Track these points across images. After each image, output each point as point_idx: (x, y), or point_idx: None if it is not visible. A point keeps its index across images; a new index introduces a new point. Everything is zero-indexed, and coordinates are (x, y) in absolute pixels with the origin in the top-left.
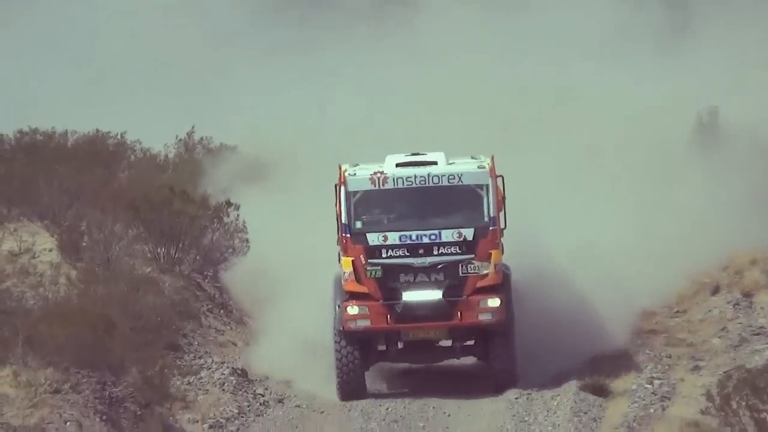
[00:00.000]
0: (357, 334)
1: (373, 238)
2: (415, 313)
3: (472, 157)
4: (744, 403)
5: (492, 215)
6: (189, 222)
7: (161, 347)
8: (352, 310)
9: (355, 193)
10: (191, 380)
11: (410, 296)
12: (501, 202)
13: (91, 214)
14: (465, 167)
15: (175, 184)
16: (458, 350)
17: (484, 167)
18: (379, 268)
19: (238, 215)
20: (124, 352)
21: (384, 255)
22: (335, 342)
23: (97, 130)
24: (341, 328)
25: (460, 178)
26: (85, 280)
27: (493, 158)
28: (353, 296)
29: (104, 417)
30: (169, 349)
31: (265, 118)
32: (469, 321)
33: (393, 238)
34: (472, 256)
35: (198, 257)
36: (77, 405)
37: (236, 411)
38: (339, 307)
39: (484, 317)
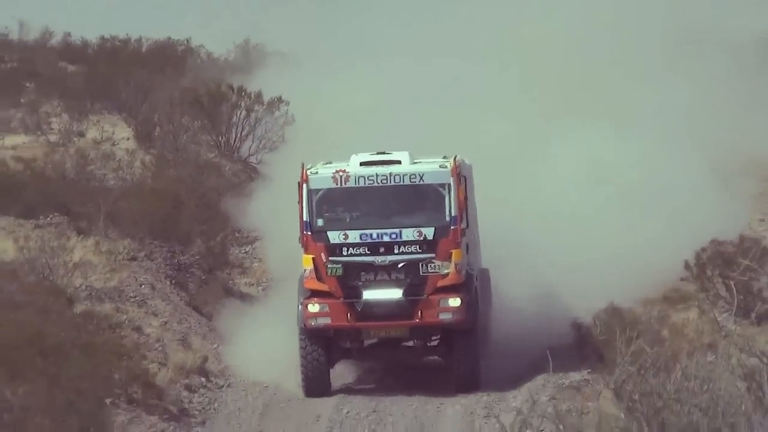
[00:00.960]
0: (317, 331)
1: (334, 236)
2: (375, 311)
3: (444, 157)
4: (717, 272)
5: (453, 215)
6: (246, 114)
7: (222, 221)
8: (313, 307)
9: (317, 191)
10: (247, 250)
11: (370, 294)
12: (463, 202)
13: (162, 108)
14: (427, 167)
15: (234, 82)
16: (421, 350)
17: (446, 167)
18: (340, 266)
19: (287, 110)
20: (191, 226)
21: (345, 253)
22: (299, 339)
23: (168, 37)
24: (303, 326)
25: (421, 177)
26: (156, 165)
27: (455, 158)
28: (314, 294)
29: (173, 281)
30: (228, 223)
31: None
32: (430, 320)
33: (354, 236)
34: (433, 255)
35: (253, 145)
36: (150, 270)
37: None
38: (300, 304)
39: (444, 317)
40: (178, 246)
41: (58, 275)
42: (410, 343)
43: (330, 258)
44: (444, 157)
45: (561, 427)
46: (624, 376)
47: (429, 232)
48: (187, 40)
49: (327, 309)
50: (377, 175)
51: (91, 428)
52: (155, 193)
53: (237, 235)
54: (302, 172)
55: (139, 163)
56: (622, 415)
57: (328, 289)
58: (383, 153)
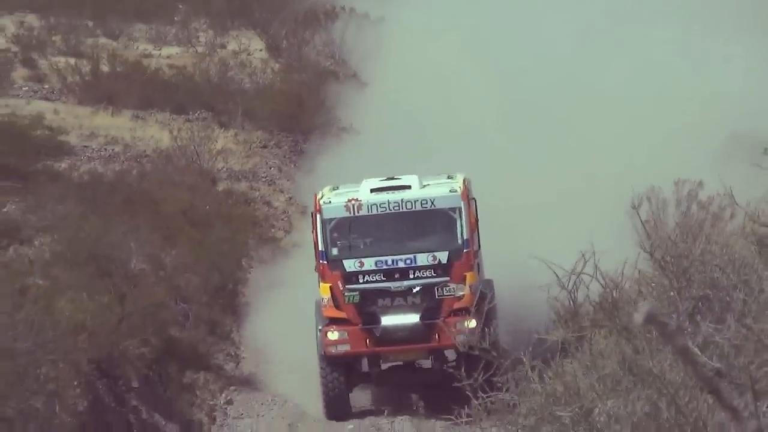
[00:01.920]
0: (338, 358)
1: (350, 264)
2: (393, 336)
3: (448, 177)
4: None
5: (465, 238)
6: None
7: (336, 116)
8: (332, 335)
9: (331, 220)
10: None
11: (388, 320)
12: (474, 224)
13: (289, 25)
14: (437, 191)
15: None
16: (439, 372)
17: (456, 191)
18: (357, 293)
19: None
20: (311, 120)
21: (361, 280)
22: (319, 365)
23: None
24: (323, 353)
25: (432, 203)
26: (284, 71)
27: (465, 180)
28: (333, 321)
29: (296, 164)
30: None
31: None
32: (446, 343)
33: (369, 263)
34: (448, 278)
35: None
36: (278, 156)
37: None
38: (320, 331)
39: (461, 338)
40: (301, 136)
41: (204, 160)
42: (425, 364)
43: (347, 286)
44: (449, 177)
45: (605, 281)
46: (658, 243)
47: (443, 256)
48: None
49: (346, 336)
50: (389, 202)
51: (229, 283)
52: (283, 94)
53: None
54: (315, 202)
55: (270, 70)
56: (657, 273)
57: (346, 317)
58: (392, 179)
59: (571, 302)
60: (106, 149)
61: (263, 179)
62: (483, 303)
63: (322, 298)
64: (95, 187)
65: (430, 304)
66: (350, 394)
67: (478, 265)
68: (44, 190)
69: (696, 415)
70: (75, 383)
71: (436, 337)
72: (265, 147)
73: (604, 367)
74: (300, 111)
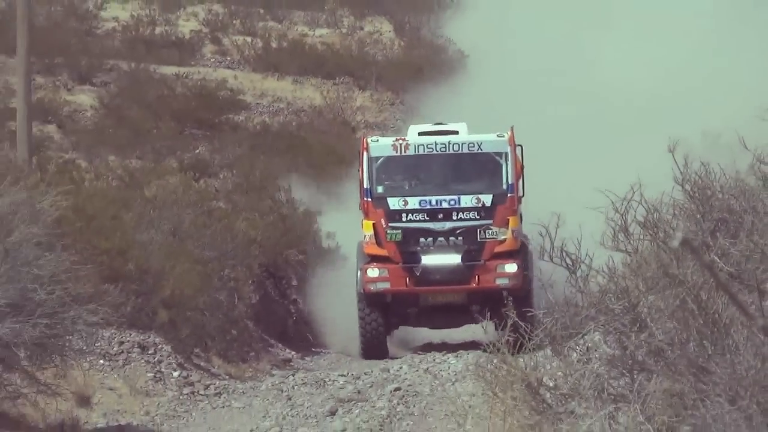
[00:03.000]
0: (376, 296)
1: (394, 203)
2: (433, 276)
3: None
4: None
5: (510, 182)
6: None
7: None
8: (372, 272)
9: (378, 158)
10: None
11: (429, 260)
12: (520, 171)
13: (413, 12)
14: (485, 136)
15: None
16: (476, 314)
17: (503, 136)
18: (400, 231)
19: None
20: (427, 84)
21: (404, 219)
22: (358, 304)
23: None
24: (362, 291)
25: (479, 146)
26: (407, 47)
27: (512, 129)
28: (374, 259)
29: (415, 117)
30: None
31: None
32: (487, 285)
33: (413, 202)
34: (491, 221)
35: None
36: (404, 111)
37: None
38: (360, 269)
39: (501, 282)
40: (422, 96)
41: (346, 114)
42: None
43: (390, 224)
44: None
45: (648, 206)
46: (688, 177)
47: (487, 199)
48: None
49: (386, 274)
50: (436, 144)
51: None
52: (406, 64)
53: None
54: (363, 141)
55: (396, 46)
56: (687, 201)
57: (387, 255)
58: (441, 124)
59: (623, 221)
60: (272, 106)
61: (391, 128)
62: (526, 250)
63: (365, 236)
64: (264, 134)
65: (472, 246)
66: (388, 337)
67: (521, 214)
68: (226, 136)
69: (714, 309)
70: (249, 282)
71: (476, 279)
72: (392, 104)
73: (646, 271)
74: (421, 75)
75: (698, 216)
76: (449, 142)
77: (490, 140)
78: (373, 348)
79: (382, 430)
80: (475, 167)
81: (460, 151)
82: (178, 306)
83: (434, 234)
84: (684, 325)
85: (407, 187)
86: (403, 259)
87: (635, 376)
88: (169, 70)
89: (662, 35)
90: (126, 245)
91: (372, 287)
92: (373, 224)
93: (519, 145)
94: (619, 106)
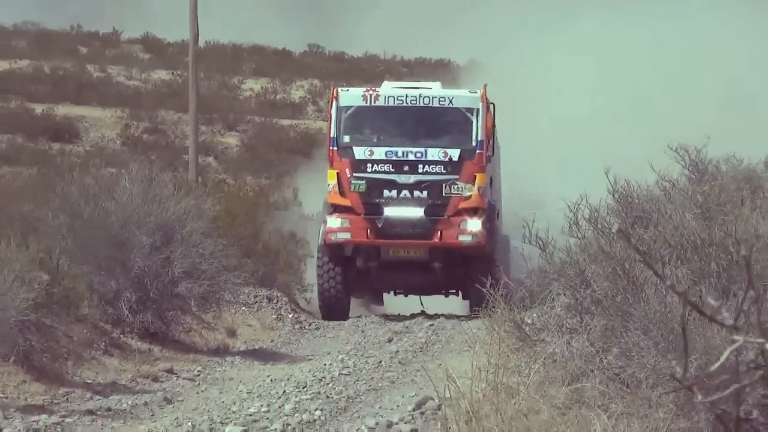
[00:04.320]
0: (337, 247)
1: (360, 152)
2: (395, 229)
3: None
4: None
5: (480, 139)
6: None
7: None
8: (334, 222)
9: (347, 108)
10: None
11: (392, 212)
12: (490, 130)
13: None
14: (457, 91)
15: None
16: (439, 272)
17: (476, 92)
18: (363, 182)
19: None
20: None
21: (369, 169)
22: (317, 258)
23: None
24: (322, 242)
25: (450, 101)
26: None
27: (485, 86)
28: (337, 209)
29: None
30: None
31: None
32: (449, 242)
33: (379, 153)
34: (457, 177)
35: None
36: None
37: None
38: (323, 221)
39: (464, 239)
40: None
41: None
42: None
43: (354, 174)
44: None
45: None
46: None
47: (454, 154)
48: None
49: (348, 224)
50: (407, 96)
51: None
52: None
53: None
54: (332, 90)
55: None
56: (617, 204)
57: (350, 205)
58: (417, 81)
59: (576, 218)
60: None
61: None
62: (492, 212)
63: (328, 185)
64: None
65: (436, 201)
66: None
67: (492, 180)
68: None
69: (634, 273)
70: None
71: (439, 234)
72: None
73: (590, 249)
74: None
75: (623, 214)
76: (420, 95)
77: (461, 95)
78: (332, 306)
79: (422, 351)
80: (445, 122)
81: (430, 105)
82: (288, 272)
83: (398, 186)
84: (614, 284)
85: (375, 139)
86: (366, 211)
87: (583, 317)
88: (285, 122)
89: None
90: (257, 233)
91: (333, 237)
92: (338, 173)
93: (492, 103)
94: (578, 136)
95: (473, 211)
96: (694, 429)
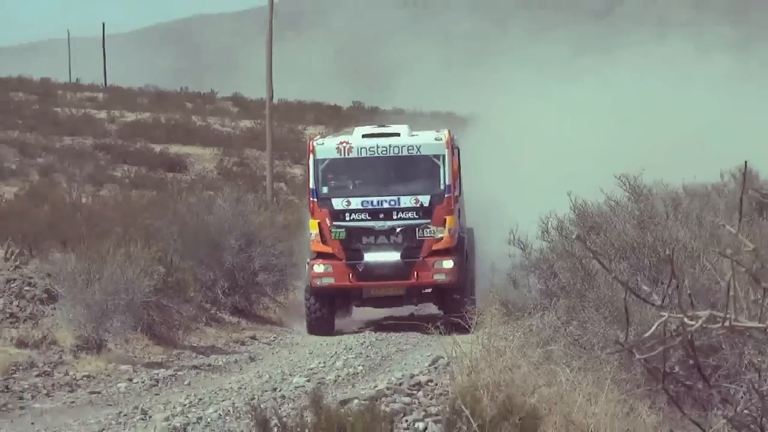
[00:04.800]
0: (322, 290)
1: (338, 203)
2: (375, 272)
3: (438, 131)
4: None
5: (447, 183)
6: None
7: None
8: (318, 268)
9: (323, 160)
10: None
11: (371, 257)
12: (457, 172)
13: None
14: (423, 139)
15: None
16: (416, 298)
17: (440, 139)
18: (343, 230)
19: None
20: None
21: (347, 218)
22: (305, 295)
23: None
24: (308, 285)
25: (418, 149)
26: None
27: (449, 131)
28: (320, 256)
29: None
30: None
31: None
32: (425, 281)
33: (356, 202)
34: (428, 221)
35: None
36: None
37: None
38: (308, 264)
39: (438, 277)
40: None
41: None
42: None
43: (334, 223)
44: (438, 131)
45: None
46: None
47: (425, 200)
48: None
49: (331, 270)
50: (378, 147)
51: None
52: None
53: None
54: (309, 144)
55: None
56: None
57: (332, 251)
58: (384, 126)
59: (547, 227)
60: None
61: None
62: (462, 246)
63: (311, 233)
64: None
65: (411, 244)
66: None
67: (460, 211)
68: None
69: (589, 267)
70: None
71: (415, 275)
72: None
73: (557, 249)
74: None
75: (581, 224)
76: (390, 145)
77: (427, 143)
78: (318, 327)
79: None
80: (414, 169)
81: (400, 154)
82: None
83: (376, 232)
84: (574, 275)
85: (350, 187)
86: (347, 256)
87: (552, 299)
88: None
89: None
90: None
91: (318, 282)
92: (319, 223)
93: (456, 147)
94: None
95: (445, 252)
96: (632, 379)
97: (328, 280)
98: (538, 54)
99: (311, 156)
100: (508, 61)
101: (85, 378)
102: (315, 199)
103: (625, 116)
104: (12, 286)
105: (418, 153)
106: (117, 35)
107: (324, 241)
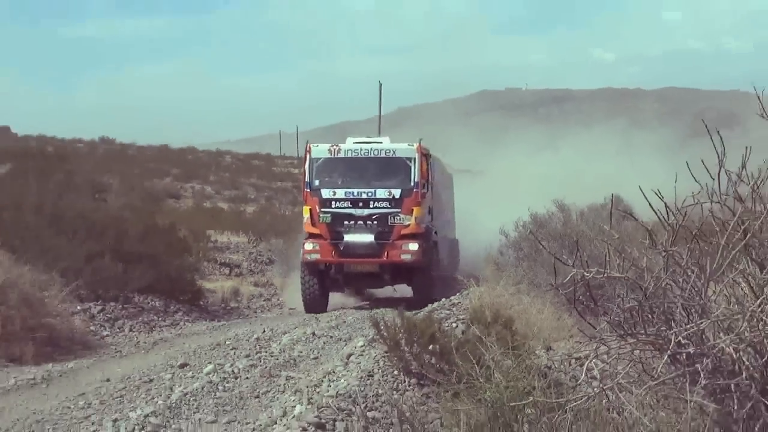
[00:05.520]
0: (312, 264)
1: (326, 193)
2: (353, 250)
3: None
4: None
5: (416, 180)
6: None
7: None
8: (308, 246)
9: (317, 159)
10: None
11: (351, 238)
12: (425, 173)
13: None
14: (399, 146)
15: None
16: (390, 279)
17: (412, 145)
18: (329, 215)
19: None
20: None
21: (333, 206)
22: (300, 270)
23: None
24: (302, 260)
25: (394, 152)
26: None
27: (420, 140)
28: (311, 236)
29: None
30: None
31: None
32: (394, 259)
33: (340, 193)
34: (399, 210)
35: None
36: None
37: None
38: (302, 244)
39: (405, 257)
40: None
41: None
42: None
43: (322, 209)
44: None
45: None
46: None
47: (397, 193)
48: None
49: (318, 247)
50: (361, 149)
51: None
52: None
53: None
54: (307, 146)
55: None
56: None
57: (319, 233)
58: (371, 137)
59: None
60: None
61: None
62: (429, 234)
63: (304, 217)
64: None
65: (384, 229)
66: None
67: (431, 209)
68: None
69: (538, 248)
70: None
71: (386, 254)
72: None
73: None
74: None
75: (534, 224)
76: (371, 149)
77: (402, 148)
78: (312, 303)
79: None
80: (389, 168)
81: (379, 156)
82: None
83: (355, 218)
84: (531, 249)
85: (338, 182)
86: (331, 237)
87: (520, 261)
88: None
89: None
90: None
91: (308, 257)
92: (310, 209)
93: (426, 154)
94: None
95: (412, 236)
96: (560, 302)
97: (316, 256)
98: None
99: (308, 155)
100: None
101: (284, 302)
102: (308, 190)
103: (561, 171)
104: (252, 255)
105: (394, 155)
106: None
107: (314, 224)
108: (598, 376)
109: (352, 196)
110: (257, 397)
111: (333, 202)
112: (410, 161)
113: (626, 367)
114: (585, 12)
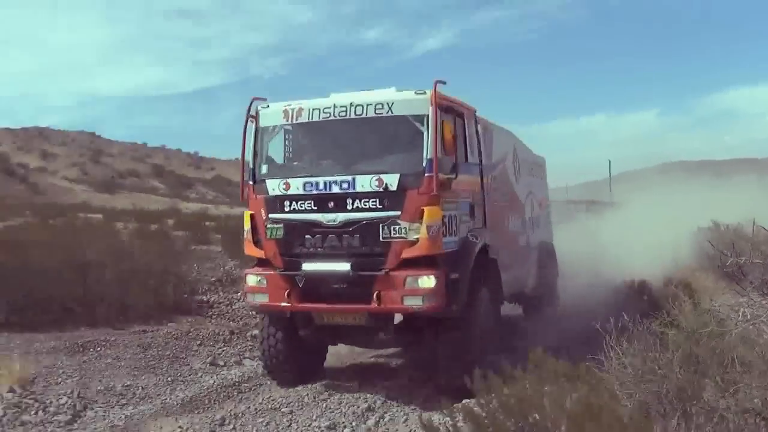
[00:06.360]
0: (260, 311)
1: (273, 186)
2: (318, 290)
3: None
4: None
5: (429, 158)
6: None
7: None
8: (251, 280)
9: (266, 129)
10: None
11: (311, 266)
12: (452, 141)
13: None
14: (399, 95)
15: None
16: (393, 341)
17: (423, 93)
18: (281, 226)
19: None
20: None
21: (286, 209)
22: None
23: None
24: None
25: (390, 108)
26: None
27: (436, 83)
28: (260, 263)
29: None
30: None
31: None
32: (391, 306)
33: (296, 185)
34: (397, 213)
35: None
36: None
37: None
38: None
39: (412, 302)
40: None
41: None
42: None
43: (270, 215)
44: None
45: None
46: None
47: (392, 181)
48: None
49: (264, 283)
50: (335, 106)
51: None
52: None
53: None
54: (250, 107)
55: None
56: None
57: (266, 257)
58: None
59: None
60: None
61: None
62: (465, 254)
63: (244, 230)
64: None
65: (372, 249)
66: (301, 356)
67: (539, 226)
68: None
69: None
70: None
71: (376, 295)
72: None
73: None
74: None
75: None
76: (351, 104)
77: (404, 99)
78: (275, 369)
79: None
80: (384, 137)
81: (363, 115)
82: None
83: (324, 230)
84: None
85: (295, 165)
86: (285, 264)
87: None
88: None
89: None
90: None
91: (251, 299)
92: (252, 216)
93: (458, 112)
94: None
95: (424, 262)
96: (720, 277)
97: (261, 298)
98: None
99: (251, 124)
100: None
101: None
102: (252, 182)
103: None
104: None
105: (390, 113)
106: None
107: (256, 242)
108: (749, 317)
109: (315, 190)
110: None
111: (286, 203)
112: (420, 122)
113: (765, 313)
114: None
